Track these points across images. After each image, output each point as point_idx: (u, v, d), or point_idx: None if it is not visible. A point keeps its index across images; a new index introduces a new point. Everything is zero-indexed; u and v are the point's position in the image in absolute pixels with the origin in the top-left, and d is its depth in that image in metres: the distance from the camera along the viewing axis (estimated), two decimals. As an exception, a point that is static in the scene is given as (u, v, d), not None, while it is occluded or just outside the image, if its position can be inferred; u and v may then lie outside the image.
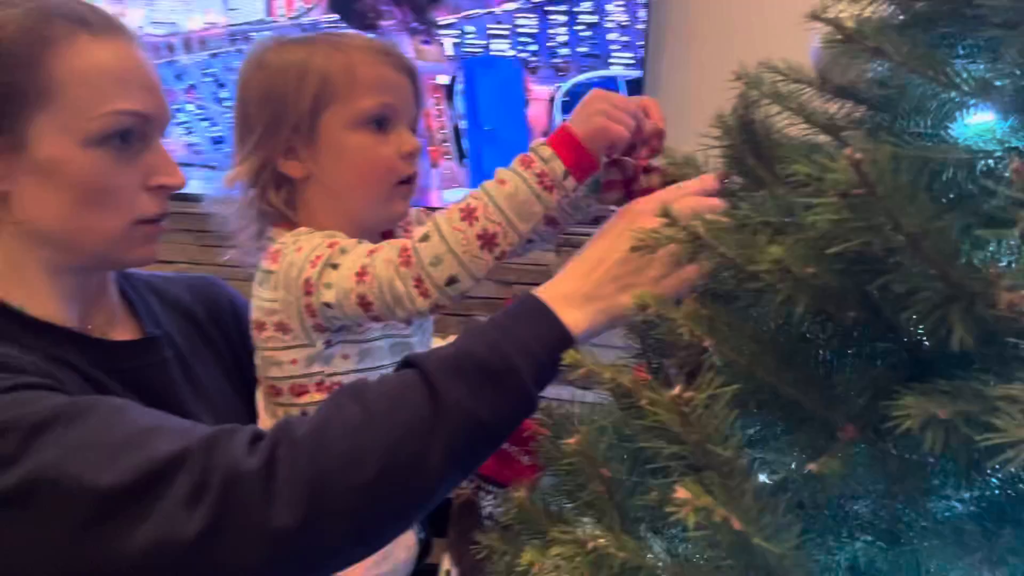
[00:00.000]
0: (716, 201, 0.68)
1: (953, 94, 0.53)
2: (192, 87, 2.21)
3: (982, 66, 0.57)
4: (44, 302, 0.76)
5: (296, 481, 0.61)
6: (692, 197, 0.69)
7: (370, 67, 0.84)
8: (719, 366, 0.50)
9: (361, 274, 0.75)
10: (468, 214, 0.73)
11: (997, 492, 0.53)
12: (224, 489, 0.61)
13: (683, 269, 0.67)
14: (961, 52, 0.60)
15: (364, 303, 0.75)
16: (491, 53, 1.95)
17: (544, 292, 0.71)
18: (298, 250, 0.80)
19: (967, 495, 0.54)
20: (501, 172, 0.75)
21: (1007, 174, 0.50)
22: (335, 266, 0.77)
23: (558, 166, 0.73)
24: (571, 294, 0.70)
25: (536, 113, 1.96)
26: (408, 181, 0.87)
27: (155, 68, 0.79)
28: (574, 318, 0.69)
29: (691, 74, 1.91)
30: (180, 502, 0.61)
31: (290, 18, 2.15)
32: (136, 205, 0.77)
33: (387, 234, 0.91)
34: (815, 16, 0.56)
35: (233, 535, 0.60)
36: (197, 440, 0.63)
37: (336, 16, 2.11)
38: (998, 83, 0.50)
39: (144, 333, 0.85)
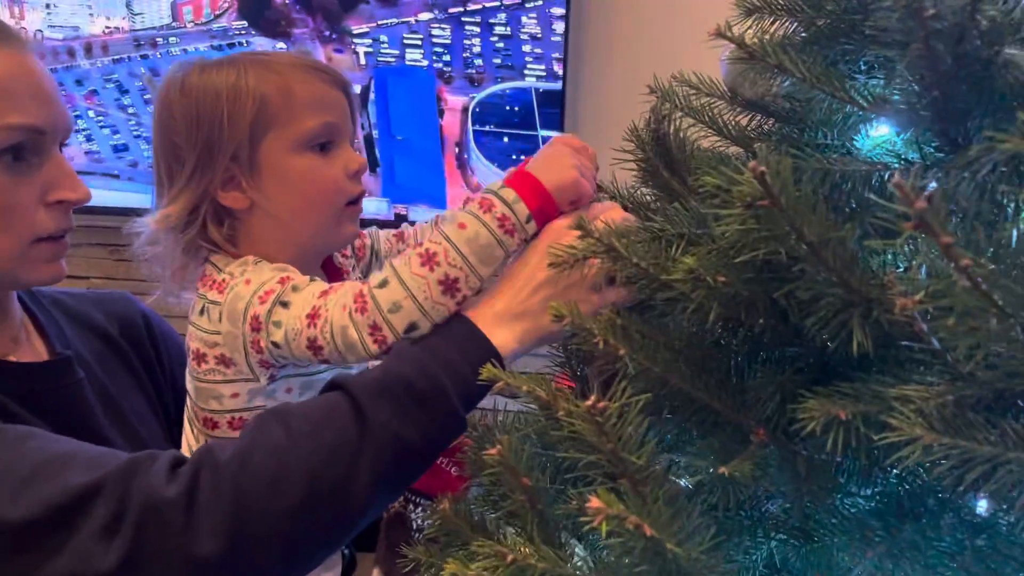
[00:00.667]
0: (629, 215, 0.69)
1: (853, 108, 0.56)
2: (93, 93, 2.14)
3: (880, 81, 0.60)
4: None
5: (218, 507, 0.59)
6: (609, 211, 0.70)
7: (306, 85, 0.79)
8: (633, 375, 0.51)
9: (313, 316, 0.72)
10: (428, 259, 0.71)
11: (896, 488, 0.55)
12: (142, 519, 0.58)
13: (609, 291, 0.67)
14: (862, 68, 0.63)
15: (314, 347, 0.73)
16: (405, 63, 1.95)
17: (474, 312, 0.71)
18: (246, 282, 0.76)
19: (869, 492, 0.56)
20: (458, 215, 0.73)
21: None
22: (285, 304, 0.74)
23: (522, 210, 0.72)
24: (500, 313, 0.70)
25: (450, 123, 1.98)
26: (356, 201, 0.83)
27: (49, 76, 0.75)
28: (503, 338, 0.69)
29: (610, 86, 1.95)
30: (95, 535, 0.58)
31: (197, 23, 2.10)
32: (34, 223, 0.73)
33: (327, 264, 0.88)
34: (720, 34, 0.57)
35: (153, 567, 0.59)
36: (113, 469, 0.61)
37: (245, 23, 2.07)
38: (895, 98, 0.53)
39: (53, 354, 0.81)
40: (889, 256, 0.49)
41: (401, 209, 2.05)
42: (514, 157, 1.99)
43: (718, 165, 0.60)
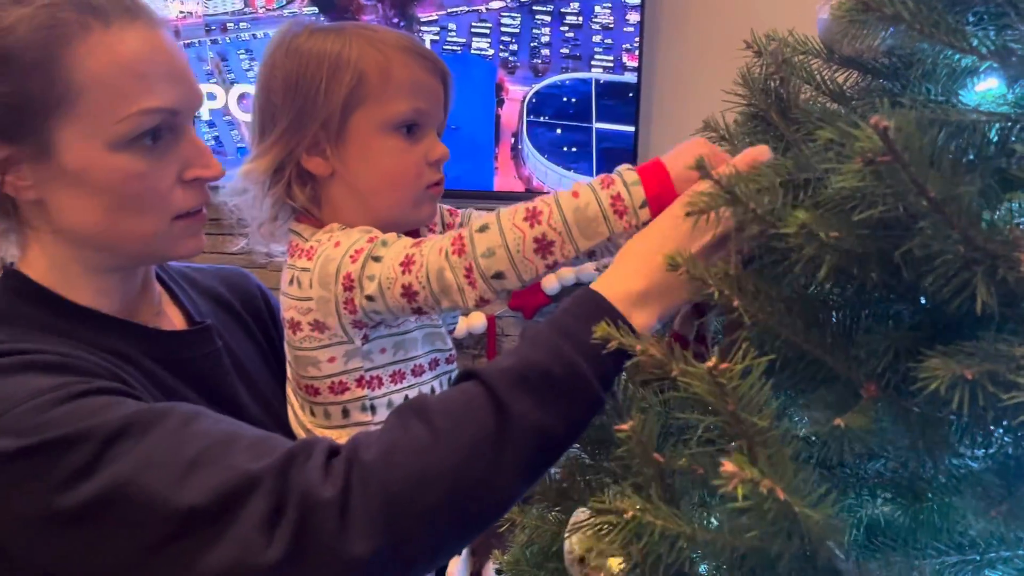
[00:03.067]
0: (760, 150, 0.64)
1: (967, 59, 0.54)
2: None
3: (992, 33, 0.59)
4: (94, 299, 0.75)
5: (368, 510, 0.59)
6: (741, 156, 0.64)
7: (405, 69, 0.80)
8: (751, 335, 0.51)
9: (407, 263, 0.73)
10: (532, 215, 0.70)
11: (1011, 448, 0.54)
12: (301, 515, 0.59)
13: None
14: (970, 20, 0.61)
15: (409, 293, 0.73)
16: (470, 52, 1.93)
17: (608, 291, 0.66)
18: (335, 245, 0.77)
19: (980, 452, 0.56)
20: (577, 185, 0.71)
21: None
22: (377, 259, 0.74)
23: (639, 193, 0.69)
24: (635, 294, 0.65)
25: (509, 113, 1.96)
26: (435, 185, 0.84)
27: (182, 51, 0.74)
28: (641, 319, 0.65)
29: (684, 77, 1.90)
30: (257, 526, 0.59)
31: (269, 9, 2.12)
32: (174, 202, 0.74)
33: (411, 233, 0.87)
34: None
35: (311, 564, 0.59)
36: (274, 460, 0.62)
37: (315, 8, 2.08)
38: (1017, 47, 0.51)
39: (191, 323, 0.84)
40: (1014, 210, 0.48)
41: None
42: (565, 149, 1.96)
43: (830, 119, 0.59)
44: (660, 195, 0.68)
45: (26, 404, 0.62)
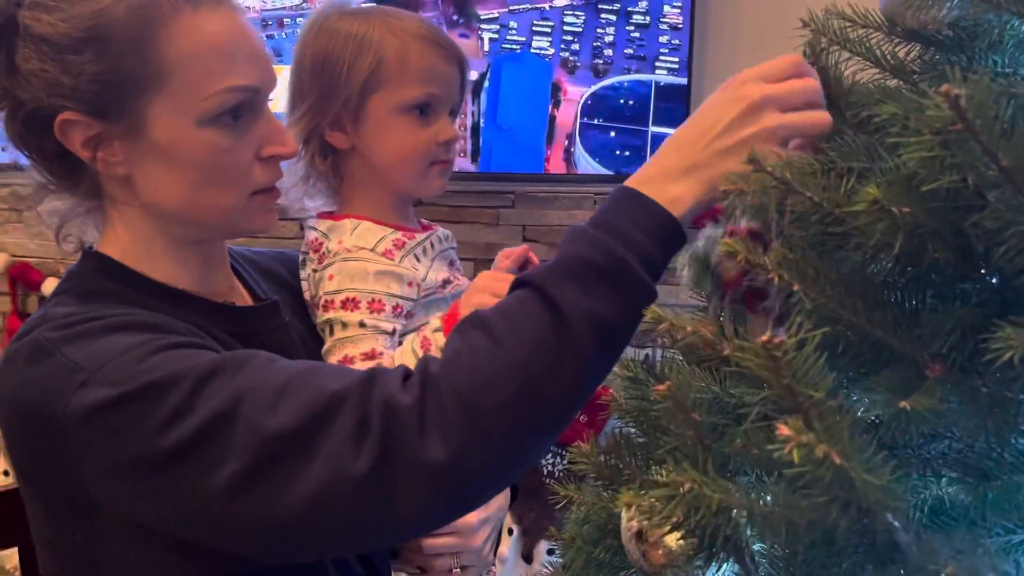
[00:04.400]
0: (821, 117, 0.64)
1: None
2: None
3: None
4: (174, 274, 0.79)
5: (444, 412, 0.61)
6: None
7: (422, 57, 0.86)
8: (807, 310, 0.51)
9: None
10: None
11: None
12: (385, 425, 0.62)
13: (803, 115, 0.63)
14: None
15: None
16: (530, 50, 1.88)
17: (638, 175, 0.67)
18: (329, 278, 0.87)
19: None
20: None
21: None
22: (347, 338, 0.86)
23: (439, 339, 0.81)
24: (670, 168, 0.65)
25: (565, 114, 1.90)
26: (443, 163, 0.92)
27: (259, 34, 0.79)
28: (674, 194, 0.64)
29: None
30: (346, 439, 0.62)
31: (329, 6, 2.13)
32: (252, 178, 0.77)
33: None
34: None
35: (397, 470, 0.62)
36: (356, 378, 0.65)
37: (373, 4, 2.08)
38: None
39: (255, 300, 0.87)
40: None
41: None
42: (618, 153, 1.89)
43: (886, 97, 0.58)
44: None
45: (120, 358, 0.66)
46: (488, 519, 0.89)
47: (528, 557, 1.76)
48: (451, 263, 0.94)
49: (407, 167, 0.89)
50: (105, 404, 0.65)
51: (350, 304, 0.84)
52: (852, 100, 0.65)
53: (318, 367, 0.69)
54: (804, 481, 0.44)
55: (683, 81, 1.80)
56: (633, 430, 0.72)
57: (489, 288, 0.82)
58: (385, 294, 0.85)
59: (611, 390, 0.74)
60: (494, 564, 0.95)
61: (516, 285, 0.67)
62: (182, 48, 0.71)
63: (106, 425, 0.65)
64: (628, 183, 0.67)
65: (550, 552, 1.73)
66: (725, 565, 0.59)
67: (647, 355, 0.71)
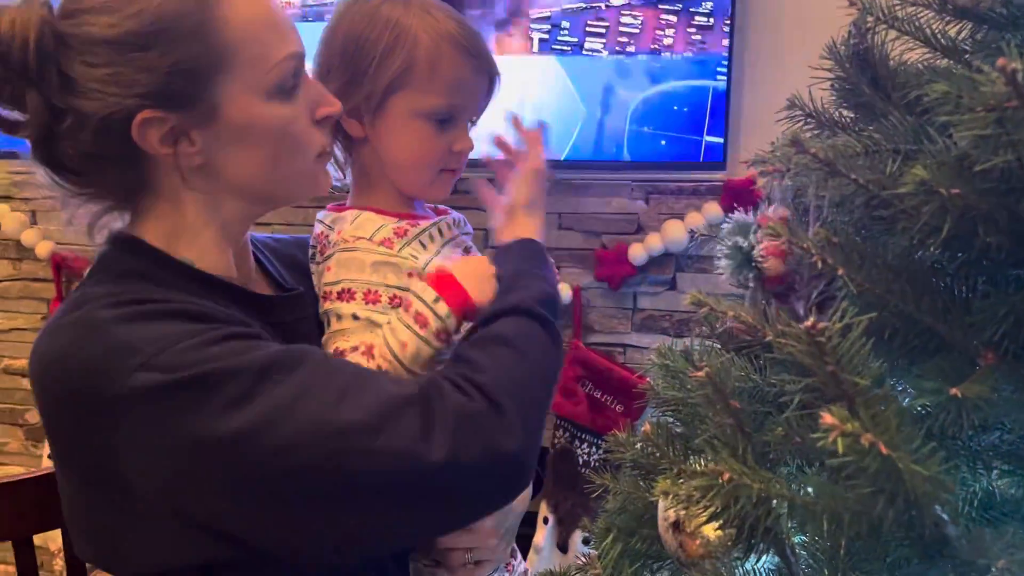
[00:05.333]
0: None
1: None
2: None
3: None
4: (215, 261, 0.79)
5: (505, 413, 0.71)
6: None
7: (453, 67, 0.84)
8: (852, 295, 0.49)
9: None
10: (367, 351, 0.81)
11: None
12: (458, 425, 0.69)
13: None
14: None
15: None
16: (582, 52, 1.74)
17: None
18: (328, 270, 0.87)
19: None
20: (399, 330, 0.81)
21: None
22: (342, 331, 0.85)
23: (442, 307, 0.81)
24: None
25: (615, 119, 1.75)
26: (452, 170, 0.90)
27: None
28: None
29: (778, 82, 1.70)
30: (415, 437, 0.67)
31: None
32: (315, 141, 0.79)
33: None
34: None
35: (473, 464, 0.69)
36: (417, 384, 0.72)
37: None
38: None
39: (276, 290, 0.88)
40: None
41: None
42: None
43: (934, 77, 0.56)
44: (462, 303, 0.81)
45: (180, 344, 0.67)
46: (503, 515, 0.90)
47: (564, 547, 1.76)
48: (466, 250, 0.93)
49: (416, 172, 0.88)
50: (163, 387, 0.65)
51: (346, 295, 0.83)
52: (899, 81, 0.63)
53: (372, 372, 0.75)
54: (848, 471, 0.43)
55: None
56: (671, 419, 0.71)
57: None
58: (382, 285, 0.83)
59: (647, 378, 0.73)
60: (512, 559, 0.95)
61: (507, 313, 0.79)
62: (238, 26, 0.72)
63: (161, 407, 0.66)
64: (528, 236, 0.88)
65: (585, 542, 1.72)
66: (765, 557, 0.58)
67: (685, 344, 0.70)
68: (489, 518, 0.87)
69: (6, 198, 2.07)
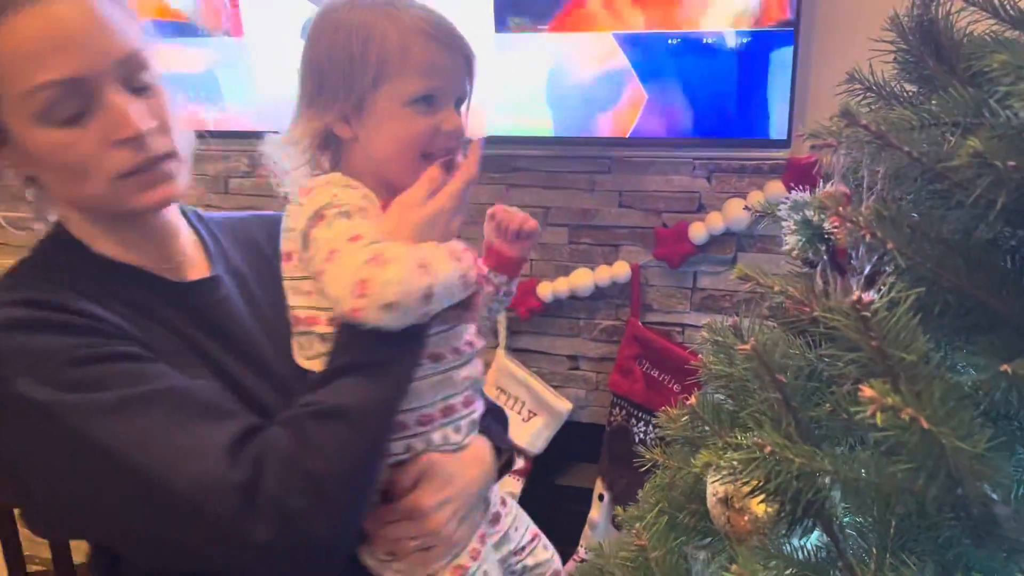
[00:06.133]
0: None
1: None
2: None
3: None
4: (125, 251, 0.84)
5: (338, 499, 0.76)
6: None
7: (424, 52, 0.85)
8: (901, 270, 0.48)
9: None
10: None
11: None
12: (278, 515, 0.72)
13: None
14: None
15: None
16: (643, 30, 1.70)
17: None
18: (299, 199, 0.86)
19: None
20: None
21: None
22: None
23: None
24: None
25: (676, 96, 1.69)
26: (444, 154, 0.89)
27: (97, 13, 0.75)
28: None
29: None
30: (233, 520, 0.71)
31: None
32: (107, 165, 0.77)
33: None
34: None
35: (289, 547, 0.73)
36: (255, 456, 0.74)
37: None
38: None
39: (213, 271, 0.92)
40: None
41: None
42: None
43: (1000, 48, 0.55)
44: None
45: (51, 361, 0.73)
46: (448, 500, 0.89)
47: (618, 524, 1.77)
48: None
49: (402, 158, 0.87)
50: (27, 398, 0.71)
51: (316, 218, 0.83)
52: (964, 52, 0.61)
53: (214, 424, 0.75)
54: (889, 446, 0.43)
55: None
56: (721, 396, 0.71)
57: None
58: (343, 190, 0.85)
59: (700, 355, 0.73)
60: (479, 544, 0.93)
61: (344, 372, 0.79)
62: (2, 54, 0.74)
63: (23, 415, 0.72)
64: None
65: (618, 527, 1.72)
66: (813, 535, 0.58)
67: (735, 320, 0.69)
68: (430, 498, 0.87)
69: None
